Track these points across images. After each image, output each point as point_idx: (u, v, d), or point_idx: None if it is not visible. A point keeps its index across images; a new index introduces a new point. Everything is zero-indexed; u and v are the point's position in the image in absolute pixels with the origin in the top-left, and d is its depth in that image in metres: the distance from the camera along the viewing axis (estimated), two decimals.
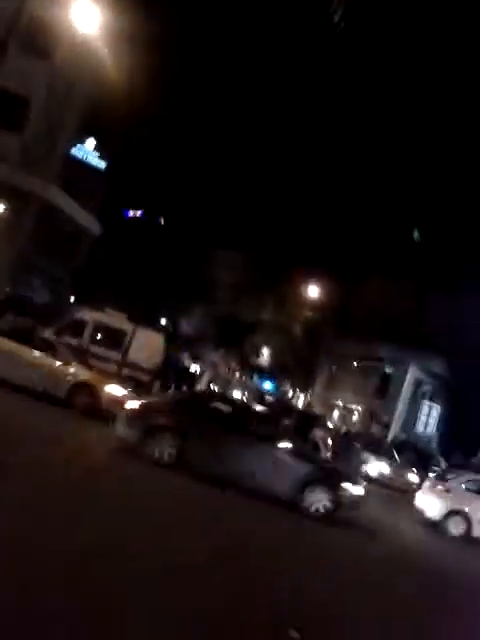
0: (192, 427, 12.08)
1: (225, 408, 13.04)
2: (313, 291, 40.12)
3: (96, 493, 8.63)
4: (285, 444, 12.44)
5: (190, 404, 13.39)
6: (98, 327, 22.45)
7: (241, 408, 14.94)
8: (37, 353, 15.65)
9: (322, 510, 11.78)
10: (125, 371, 22.08)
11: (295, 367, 48.47)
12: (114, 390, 15.82)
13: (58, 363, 15.65)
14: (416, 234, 53.41)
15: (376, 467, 25.91)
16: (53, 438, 11.81)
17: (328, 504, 11.80)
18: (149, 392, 24.18)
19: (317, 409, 43.13)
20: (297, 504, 11.73)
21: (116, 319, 22.99)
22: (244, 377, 30.74)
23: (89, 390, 15.51)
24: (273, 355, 49.98)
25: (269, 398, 23.01)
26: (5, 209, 28.74)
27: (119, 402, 14.13)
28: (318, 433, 23.65)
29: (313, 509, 11.77)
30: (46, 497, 7.68)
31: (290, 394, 47.10)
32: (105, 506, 8.14)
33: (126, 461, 11.68)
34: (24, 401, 14.65)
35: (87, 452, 11.74)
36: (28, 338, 15.95)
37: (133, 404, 12.79)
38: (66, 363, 15.71)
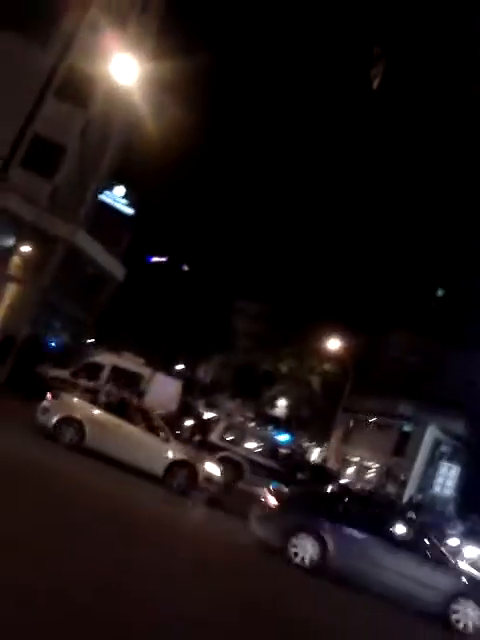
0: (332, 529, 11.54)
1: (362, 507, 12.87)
2: (333, 344, 39.94)
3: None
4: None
5: (328, 501, 13.10)
6: (115, 370, 22.50)
7: (380, 506, 15.13)
8: (135, 428, 15.31)
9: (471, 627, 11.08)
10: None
11: (311, 420, 47.91)
12: (211, 469, 15.58)
13: (156, 439, 15.30)
14: (439, 291, 53.33)
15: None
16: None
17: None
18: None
19: (332, 464, 42.38)
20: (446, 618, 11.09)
21: (133, 363, 23.07)
22: (259, 428, 30.42)
23: (186, 469, 15.13)
24: (290, 407, 49.52)
25: (283, 451, 22.66)
26: (31, 251, 29.30)
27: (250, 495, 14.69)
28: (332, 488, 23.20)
29: (461, 625, 11.12)
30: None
31: (306, 446, 46.42)
32: None
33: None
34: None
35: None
36: (123, 410, 15.61)
37: (272, 500, 12.17)
38: (164, 440, 15.32)
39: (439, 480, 43.14)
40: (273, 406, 50.02)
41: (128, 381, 22.38)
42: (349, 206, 47.05)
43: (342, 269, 47.96)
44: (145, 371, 22.55)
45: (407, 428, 43.86)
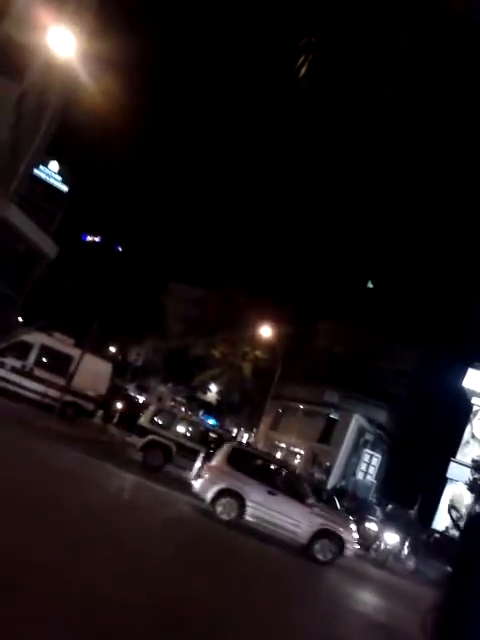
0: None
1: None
2: (265, 331, 40.38)
3: None
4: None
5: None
6: (44, 350, 22.08)
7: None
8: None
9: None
10: (68, 397, 21.73)
11: (242, 406, 48.41)
12: (352, 537, 15.22)
13: (304, 508, 14.77)
14: (369, 282, 54.71)
15: None
16: None
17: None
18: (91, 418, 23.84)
19: (259, 448, 42.95)
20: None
21: (63, 343, 22.67)
22: (190, 412, 30.51)
23: (329, 538, 14.67)
24: (221, 392, 49.84)
25: (212, 436, 22.82)
26: None
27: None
28: None
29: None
30: None
31: (234, 432, 46.84)
32: None
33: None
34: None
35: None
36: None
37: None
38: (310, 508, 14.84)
39: (362, 467, 44.47)
40: (204, 391, 50.22)
41: (57, 362, 22.02)
42: (285, 194, 47.51)
43: (276, 257, 48.49)
44: (75, 352, 22.18)
45: (333, 416, 44.95)
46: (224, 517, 14.33)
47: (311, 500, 15.23)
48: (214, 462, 15.19)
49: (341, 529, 14.92)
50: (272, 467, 16.51)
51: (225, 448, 15.64)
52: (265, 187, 47.47)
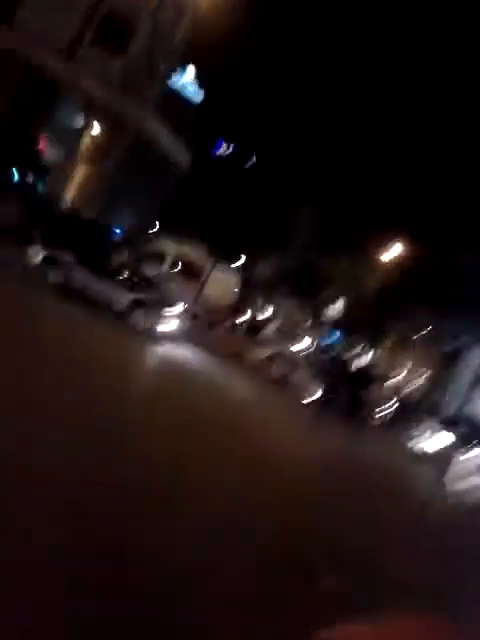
0: None
1: None
2: (397, 251, 39.22)
3: None
4: None
5: None
6: (177, 260, 22.84)
7: None
8: None
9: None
10: (196, 308, 22.52)
11: (365, 325, 47.97)
12: None
13: None
14: None
15: (435, 441, 25.10)
16: None
17: None
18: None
19: (380, 370, 42.81)
20: None
21: (195, 254, 23.30)
22: (313, 329, 30.68)
23: None
24: (345, 309, 49.53)
25: (333, 352, 23.00)
26: (100, 132, 29.19)
27: None
28: (374, 392, 23.59)
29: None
30: None
31: (358, 350, 46.79)
32: None
33: None
34: None
35: None
36: None
37: None
38: None
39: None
40: (328, 308, 50.14)
41: (189, 272, 22.75)
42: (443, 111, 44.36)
43: (413, 175, 46.12)
44: (206, 263, 22.79)
45: (457, 344, 43.59)
46: None
47: None
48: None
49: None
50: None
51: None
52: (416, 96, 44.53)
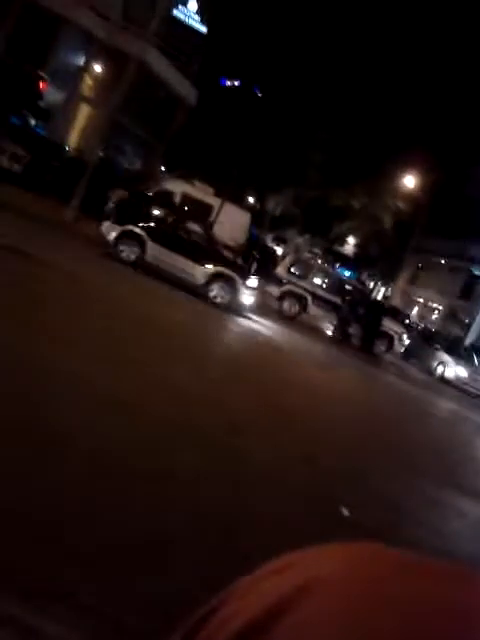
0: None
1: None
2: (409, 181, 38.36)
3: None
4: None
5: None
6: (185, 198, 22.51)
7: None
8: None
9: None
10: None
11: (380, 259, 47.52)
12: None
13: None
14: None
15: (454, 370, 25.25)
16: None
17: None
18: None
19: (397, 303, 42.60)
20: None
21: (204, 192, 22.95)
22: (326, 264, 30.38)
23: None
24: (358, 245, 49.00)
25: (348, 287, 22.79)
26: (103, 70, 28.40)
27: None
28: (390, 324, 23.54)
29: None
30: None
31: (371, 285, 46.52)
32: None
33: None
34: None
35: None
36: None
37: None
38: None
39: None
40: (342, 243, 49.61)
41: (198, 210, 22.45)
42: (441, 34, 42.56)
43: (426, 100, 44.61)
44: (215, 201, 22.45)
45: (477, 271, 43.05)
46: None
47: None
48: None
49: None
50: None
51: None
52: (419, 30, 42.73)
